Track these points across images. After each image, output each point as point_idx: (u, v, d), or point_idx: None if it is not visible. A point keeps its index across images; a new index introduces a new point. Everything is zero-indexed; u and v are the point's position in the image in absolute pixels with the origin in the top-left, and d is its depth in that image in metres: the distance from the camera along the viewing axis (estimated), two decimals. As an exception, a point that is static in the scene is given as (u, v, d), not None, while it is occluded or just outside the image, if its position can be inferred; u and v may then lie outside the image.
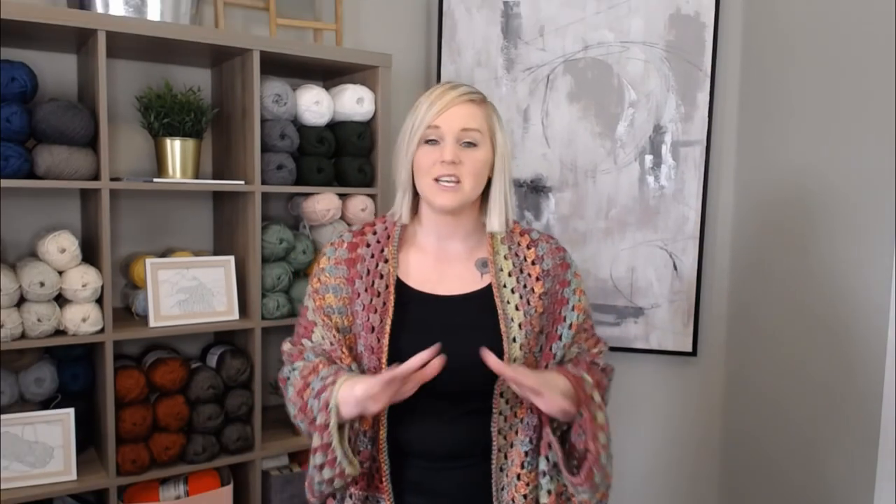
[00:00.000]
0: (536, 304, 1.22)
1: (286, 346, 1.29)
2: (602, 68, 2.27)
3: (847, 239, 1.92)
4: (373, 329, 1.18)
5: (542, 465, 1.21)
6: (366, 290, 1.20)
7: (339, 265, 1.24)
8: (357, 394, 1.07)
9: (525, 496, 1.19)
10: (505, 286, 1.22)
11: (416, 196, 1.24)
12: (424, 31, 2.45)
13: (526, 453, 1.20)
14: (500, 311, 1.19)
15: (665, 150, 2.26)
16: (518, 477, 1.19)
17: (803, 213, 2.06)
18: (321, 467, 1.13)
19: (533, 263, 1.24)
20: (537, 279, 1.23)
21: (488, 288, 1.22)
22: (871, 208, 1.84)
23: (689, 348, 2.31)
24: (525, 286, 1.22)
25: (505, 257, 1.24)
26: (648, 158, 2.27)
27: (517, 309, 1.20)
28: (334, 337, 1.21)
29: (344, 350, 1.21)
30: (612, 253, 2.32)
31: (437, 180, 1.17)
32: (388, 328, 1.17)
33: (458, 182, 1.16)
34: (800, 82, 2.07)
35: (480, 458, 1.21)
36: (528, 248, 1.26)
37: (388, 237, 1.25)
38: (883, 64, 1.81)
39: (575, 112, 2.30)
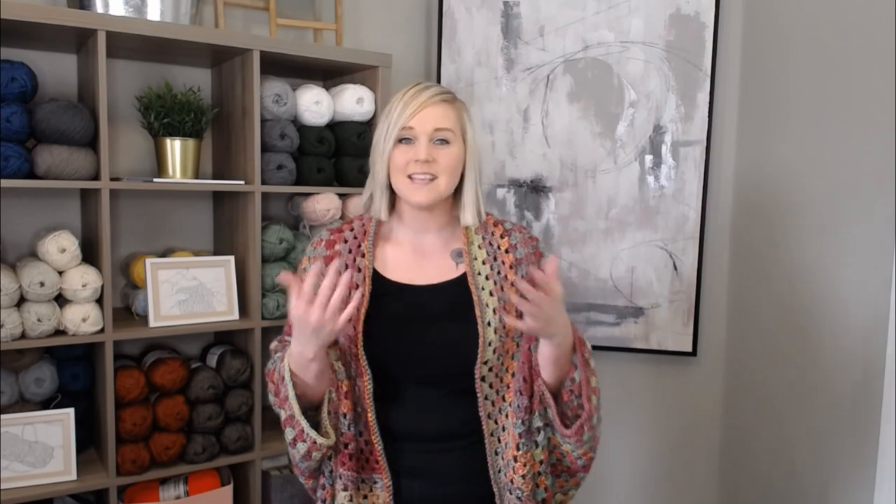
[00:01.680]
0: (510, 291, 1.26)
1: (273, 343, 1.35)
2: (602, 68, 2.27)
3: (847, 239, 1.92)
4: (350, 319, 1.21)
5: (537, 422, 1.23)
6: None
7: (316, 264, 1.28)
8: (292, 347, 1.15)
9: (524, 476, 1.21)
10: (479, 273, 1.27)
11: (392, 193, 1.29)
12: (424, 31, 2.45)
13: (520, 435, 1.22)
14: (475, 297, 1.24)
15: (665, 149, 2.26)
16: (515, 459, 1.22)
17: (803, 212, 2.06)
18: (294, 442, 1.18)
19: (507, 252, 1.29)
20: (510, 267, 1.28)
21: (463, 276, 1.27)
22: (871, 208, 1.84)
23: (689, 348, 2.31)
24: (499, 273, 1.27)
25: (479, 247, 1.29)
26: (648, 158, 2.27)
27: (491, 294, 1.25)
28: None
29: None
30: (612, 253, 2.32)
31: (410, 178, 1.22)
32: (363, 316, 1.22)
33: (433, 179, 1.22)
34: (800, 82, 2.07)
35: (475, 440, 1.25)
36: (502, 237, 1.31)
37: (365, 233, 1.31)
38: (883, 64, 1.81)
39: (575, 112, 2.30)
